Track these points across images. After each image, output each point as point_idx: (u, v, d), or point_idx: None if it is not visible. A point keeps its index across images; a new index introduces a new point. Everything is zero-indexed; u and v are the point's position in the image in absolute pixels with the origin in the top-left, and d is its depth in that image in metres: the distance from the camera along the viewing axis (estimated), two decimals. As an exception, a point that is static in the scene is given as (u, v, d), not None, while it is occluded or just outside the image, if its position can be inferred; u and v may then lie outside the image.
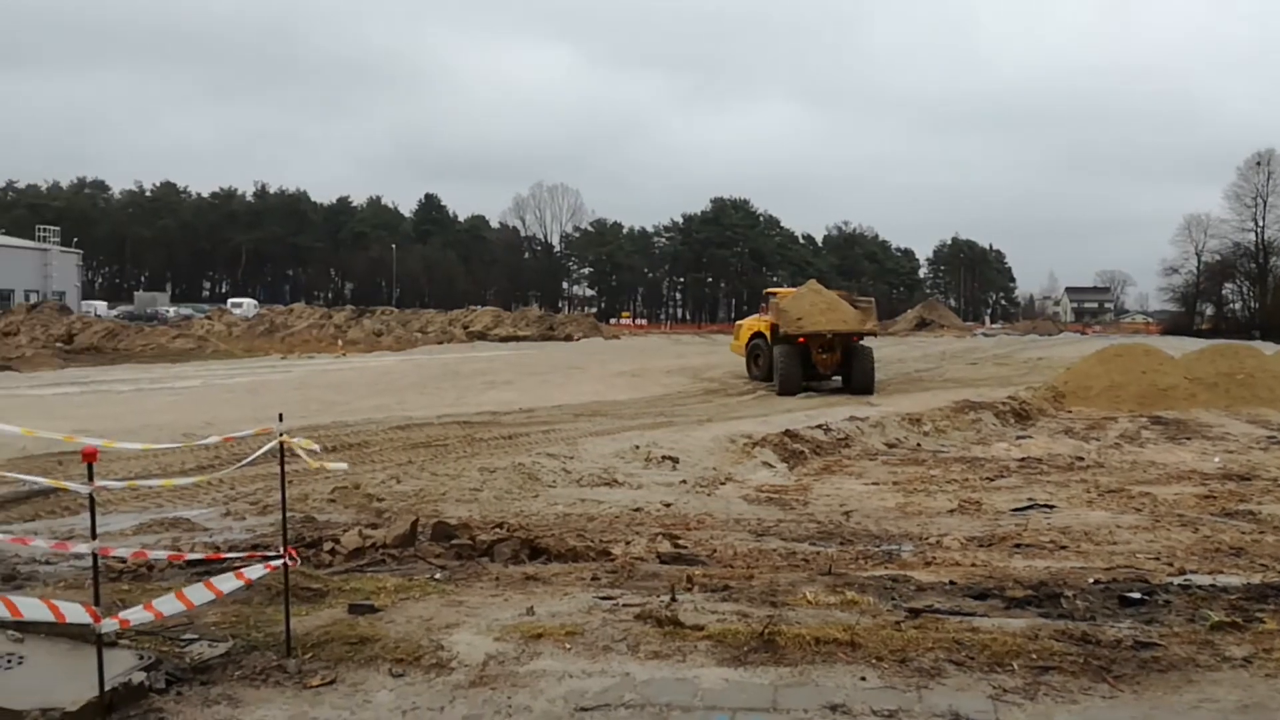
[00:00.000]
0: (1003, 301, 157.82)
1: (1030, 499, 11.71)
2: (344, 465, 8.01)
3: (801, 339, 25.27)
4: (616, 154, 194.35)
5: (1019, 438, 18.06)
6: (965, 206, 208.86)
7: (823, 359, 25.45)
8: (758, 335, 28.40)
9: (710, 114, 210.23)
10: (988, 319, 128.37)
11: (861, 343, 25.95)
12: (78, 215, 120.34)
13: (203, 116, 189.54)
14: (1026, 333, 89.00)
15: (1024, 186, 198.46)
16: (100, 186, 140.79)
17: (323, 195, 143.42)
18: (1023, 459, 15.26)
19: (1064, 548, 8.97)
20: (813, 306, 26.08)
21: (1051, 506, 11.24)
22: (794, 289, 29.80)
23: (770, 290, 31.27)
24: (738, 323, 33.23)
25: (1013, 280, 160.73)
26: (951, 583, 6.90)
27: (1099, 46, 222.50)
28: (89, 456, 4.23)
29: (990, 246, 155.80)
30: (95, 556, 4.28)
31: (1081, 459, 15.24)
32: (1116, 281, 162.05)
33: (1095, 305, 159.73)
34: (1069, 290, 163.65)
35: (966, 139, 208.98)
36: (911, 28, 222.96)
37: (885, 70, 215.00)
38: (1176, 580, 7.02)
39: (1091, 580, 6.98)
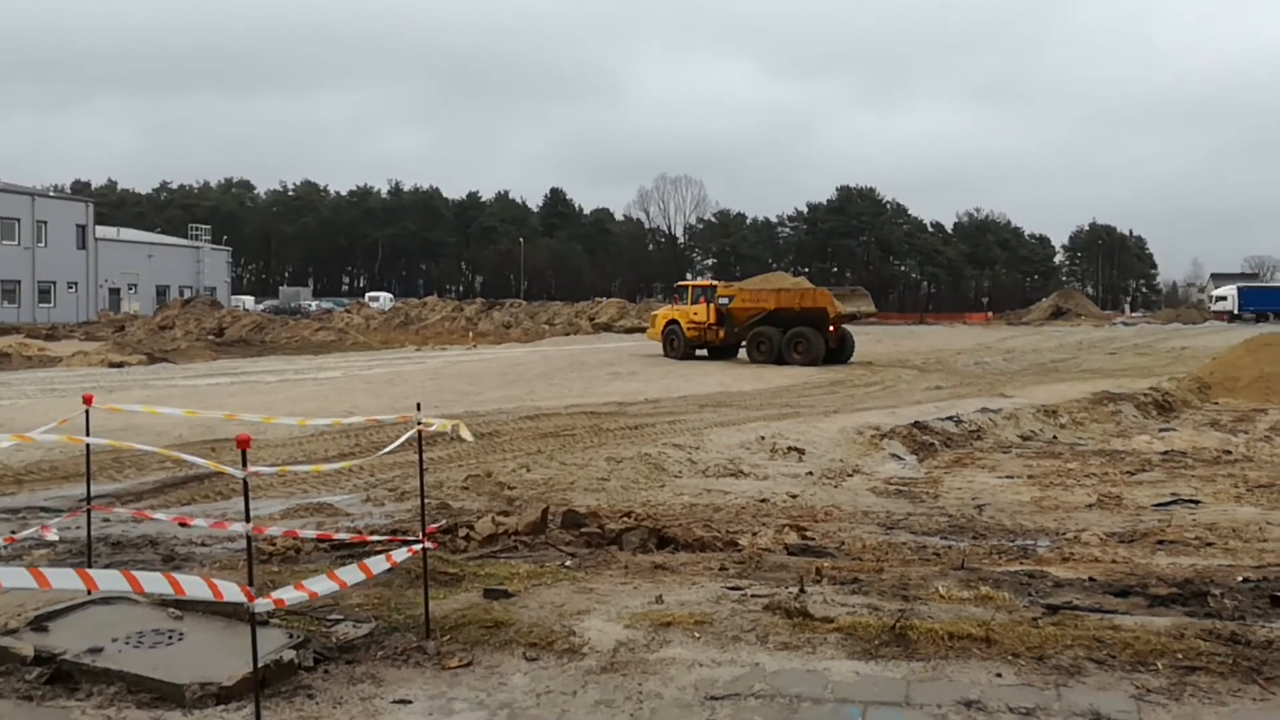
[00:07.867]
0: (1143, 289, 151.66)
1: (1174, 494, 11.27)
2: (471, 437, 7.92)
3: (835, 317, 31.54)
4: (768, 154, 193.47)
5: (1161, 430, 17.37)
6: (1103, 193, 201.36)
7: (833, 334, 31.38)
8: (672, 322, 34.22)
9: (869, 113, 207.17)
10: (1127, 307, 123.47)
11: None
12: (226, 214, 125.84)
13: (379, 130, 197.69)
14: (1169, 321, 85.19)
15: (1166, 173, 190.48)
16: (246, 186, 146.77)
17: (456, 192, 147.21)
18: (1166, 452, 14.67)
19: (1210, 544, 8.61)
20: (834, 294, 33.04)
21: (1196, 502, 10.80)
22: (713, 281, 37.92)
23: (681, 283, 38.54)
24: (652, 314, 39.64)
25: (1154, 267, 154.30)
26: (1091, 579, 6.71)
27: (1249, 41, 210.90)
28: (243, 444, 4.43)
29: (1130, 233, 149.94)
30: (249, 538, 4.49)
31: (1229, 452, 14.57)
32: (1265, 268, 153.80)
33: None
34: (1214, 277, 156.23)
35: (1107, 129, 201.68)
36: (1078, 34, 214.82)
37: (1035, 68, 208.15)
38: (1333, 580, 6.68)
39: (1240, 578, 6.70)
